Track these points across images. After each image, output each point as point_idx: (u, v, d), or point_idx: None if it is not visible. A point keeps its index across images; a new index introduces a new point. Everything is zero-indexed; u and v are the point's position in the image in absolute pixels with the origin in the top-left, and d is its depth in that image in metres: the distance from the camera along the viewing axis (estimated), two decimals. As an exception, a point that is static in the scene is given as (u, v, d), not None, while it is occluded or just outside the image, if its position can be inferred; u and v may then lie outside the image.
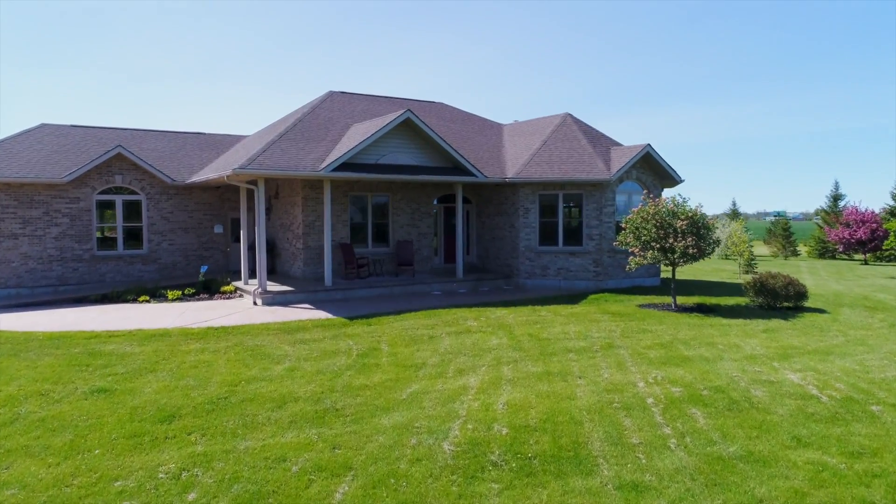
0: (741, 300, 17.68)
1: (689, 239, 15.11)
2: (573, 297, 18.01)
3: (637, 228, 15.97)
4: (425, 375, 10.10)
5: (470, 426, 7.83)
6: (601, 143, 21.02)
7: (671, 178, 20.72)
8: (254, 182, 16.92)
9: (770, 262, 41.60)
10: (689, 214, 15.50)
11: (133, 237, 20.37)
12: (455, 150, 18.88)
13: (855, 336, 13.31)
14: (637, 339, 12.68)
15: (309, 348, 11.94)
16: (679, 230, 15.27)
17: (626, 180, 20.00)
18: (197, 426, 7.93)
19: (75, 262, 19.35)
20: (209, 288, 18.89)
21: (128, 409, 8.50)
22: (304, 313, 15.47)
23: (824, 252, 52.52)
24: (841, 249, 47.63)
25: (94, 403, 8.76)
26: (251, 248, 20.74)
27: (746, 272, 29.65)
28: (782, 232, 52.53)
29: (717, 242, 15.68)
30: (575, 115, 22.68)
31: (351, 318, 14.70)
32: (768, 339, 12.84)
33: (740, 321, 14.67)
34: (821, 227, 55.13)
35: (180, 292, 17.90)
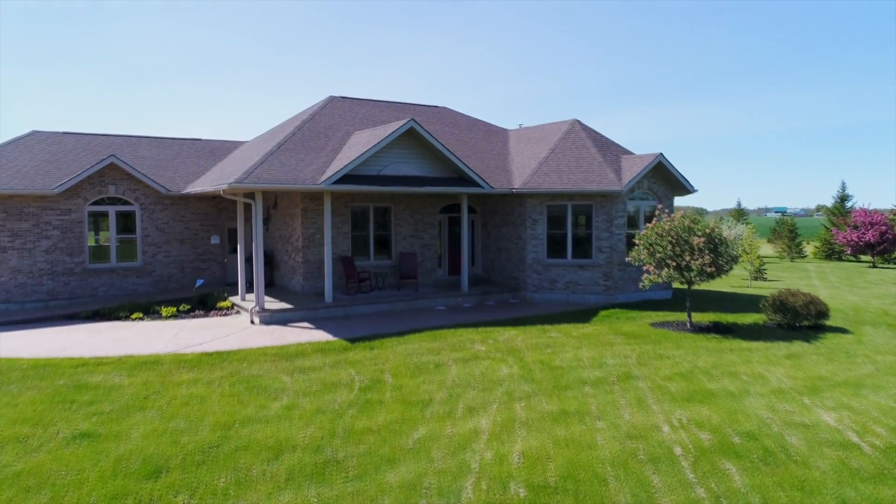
0: (758, 317, 17.00)
1: (707, 257, 14.41)
2: (583, 314, 17.33)
3: (651, 245, 15.28)
4: (433, 415, 9.43)
5: (484, 485, 7.16)
6: (611, 151, 20.31)
7: (683, 188, 20.03)
8: (251, 195, 16.23)
9: (776, 265, 40.96)
10: (707, 231, 14.81)
11: (127, 249, 19.67)
12: (460, 161, 18.17)
13: (884, 363, 12.63)
14: (655, 368, 12.00)
15: (308, 379, 11.26)
16: (696, 247, 14.57)
17: (637, 190, 19.30)
18: (185, 483, 7.26)
19: (66, 275, 18.66)
20: (205, 303, 18.21)
21: (111, 461, 7.82)
22: (303, 334, 14.80)
23: (831, 253, 51.80)
24: (849, 252, 46.94)
25: (76, 452, 8.09)
26: (248, 260, 20.08)
27: (755, 278, 28.98)
28: (788, 233, 51.75)
29: (736, 259, 14.98)
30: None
31: (352, 341, 14.02)
32: (793, 367, 12.16)
33: (761, 344, 13.99)
34: (827, 229, 54.39)
35: (175, 308, 17.23)
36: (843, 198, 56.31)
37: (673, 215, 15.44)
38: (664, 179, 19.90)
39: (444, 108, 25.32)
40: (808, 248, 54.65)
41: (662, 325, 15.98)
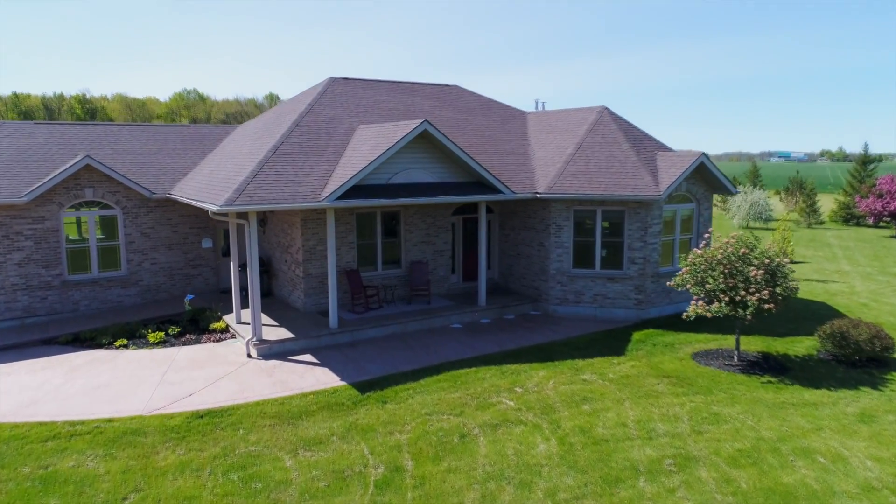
0: (810, 344, 15.36)
1: (765, 292, 12.65)
2: (615, 339, 15.68)
3: (699, 273, 13.48)
4: (466, 539, 7.85)
5: None
6: (644, 147, 18.24)
7: (724, 188, 18.06)
8: (244, 215, 14.28)
9: (796, 234, 39.31)
10: (765, 260, 12.99)
11: (109, 258, 17.84)
12: (479, 165, 16.15)
13: (973, 428, 11.03)
14: (714, 441, 10.40)
15: (315, 463, 9.67)
16: (753, 280, 12.78)
17: (674, 193, 17.34)
18: None
19: (43, 289, 16.90)
20: (197, 322, 16.53)
21: None
22: (306, 374, 13.18)
23: (849, 218, 50.06)
24: (871, 221, 45.14)
25: None
26: (243, 266, 18.30)
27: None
28: (806, 198, 49.60)
29: (795, 291, 13.23)
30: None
31: (362, 389, 12.40)
32: (873, 438, 10.56)
33: (825, 395, 12.36)
34: (846, 192, 52.42)
35: (163, 333, 15.54)
36: (866, 160, 54.00)
37: (726, 240, 13.57)
38: (704, 180, 17.91)
39: (456, 86, 23.03)
40: (823, 207, 51.97)
41: (706, 357, 14.36)
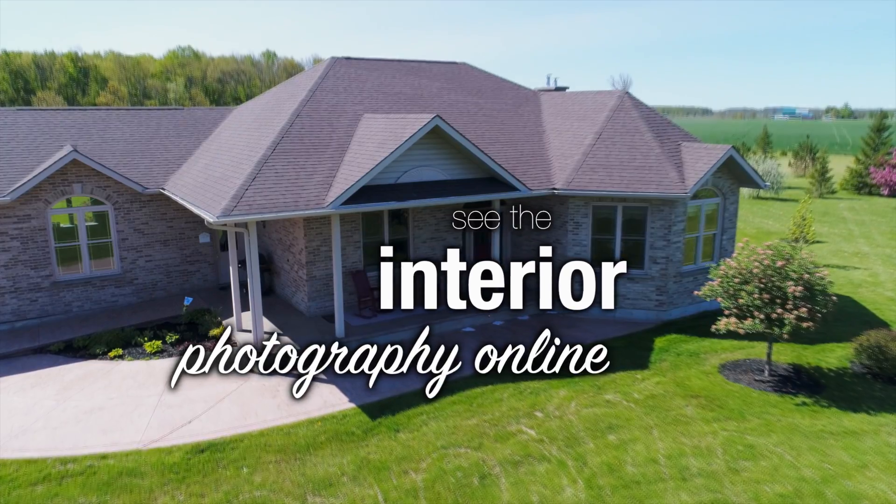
0: (842, 353, 14.58)
1: (804, 309, 11.80)
2: (637, 347, 14.90)
3: (732, 285, 12.58)
4: None
5: None
6: (667, 136, 17.12)
7: (752, 182, 17.02)
8: (243, 224, 13.30)
9: (809, 206, 38.26)
10: (804, 275, 12.08)
11: (102, 256, 16.93)
12: (494, 161, 15.11)
13: None
14: (753, 482, 9.68)
15: (325, 513, 8.98)
16: (791, 296, 11.91)
17: (700, 189, 16.31)
18: None
19: (33, 291, 16.04)
20: (196, 327, 15.73)
21: None
22: (312, 394, 12.43)
23: (861, 186, 49.00)
24: (885, 192, 44.10)
25: None
26: (242, 263, 17.38)
27: (796, 239, 26.37)
28: (820, 167, 48.25)
29: (834, 304, 12.39)
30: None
31: (372, 414, 11.67)
32: (923, 478, 9.86)
33: (864, 421, 11.61)
34: (859, 160, 51.12)
35: (160, 342, 14.74)
36: (881, 128, 52.50)
37: (761, 250, 12.63)
38: (731, 173, 16.86)
39: (464, 64, 21.72)
40: (832, 168, 50.64)
41: (734, 370, 13.59)
